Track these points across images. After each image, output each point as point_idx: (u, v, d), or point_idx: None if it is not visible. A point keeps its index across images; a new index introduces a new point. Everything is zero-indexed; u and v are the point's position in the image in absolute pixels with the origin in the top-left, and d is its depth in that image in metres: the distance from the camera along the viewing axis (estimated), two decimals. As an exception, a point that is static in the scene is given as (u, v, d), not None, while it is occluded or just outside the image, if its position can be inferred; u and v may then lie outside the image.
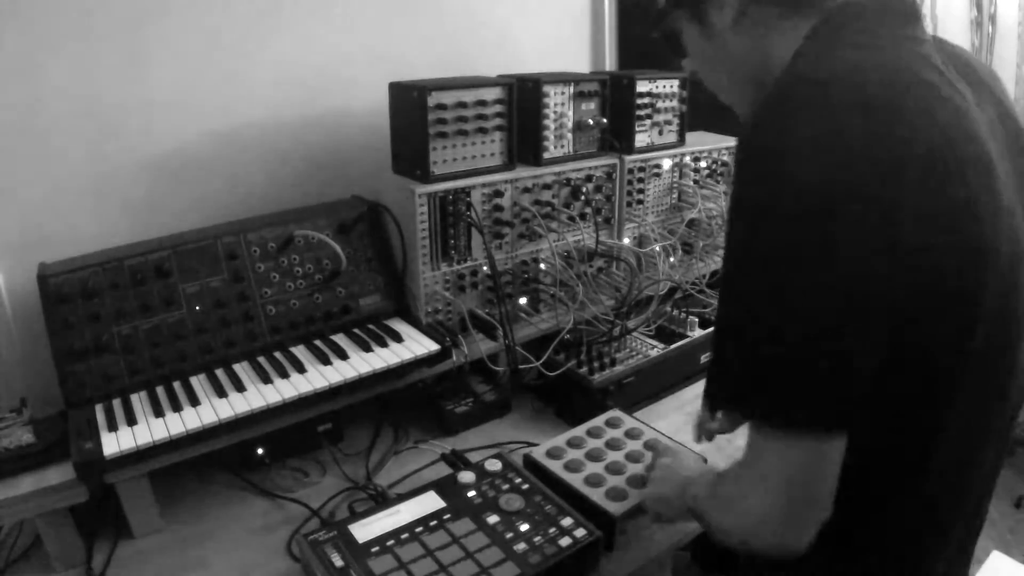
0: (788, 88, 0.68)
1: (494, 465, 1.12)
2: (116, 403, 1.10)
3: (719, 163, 1.74)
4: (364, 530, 0.98)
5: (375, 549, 0.95)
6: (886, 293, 0.63)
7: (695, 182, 1.69)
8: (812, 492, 0.68)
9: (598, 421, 1.27)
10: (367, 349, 1.25)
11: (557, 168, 1.44)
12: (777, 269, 0.64)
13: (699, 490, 0.87)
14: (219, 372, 1.18)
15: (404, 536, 0.97)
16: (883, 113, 0.64)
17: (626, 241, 1.60)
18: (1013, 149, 0.78)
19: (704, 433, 1.20)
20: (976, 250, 0.68)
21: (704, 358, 1.57)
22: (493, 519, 1.01)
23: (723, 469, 0.83)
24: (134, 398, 1.11)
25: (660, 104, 1.58)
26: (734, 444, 1.30)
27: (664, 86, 1.58)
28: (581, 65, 1.94)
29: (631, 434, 1.23)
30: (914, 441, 0.75)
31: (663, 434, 1.24)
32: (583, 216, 1.49)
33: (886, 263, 0.62)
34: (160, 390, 1.13)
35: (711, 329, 1.56)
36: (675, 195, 1.68)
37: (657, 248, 1.60)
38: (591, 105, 1.48)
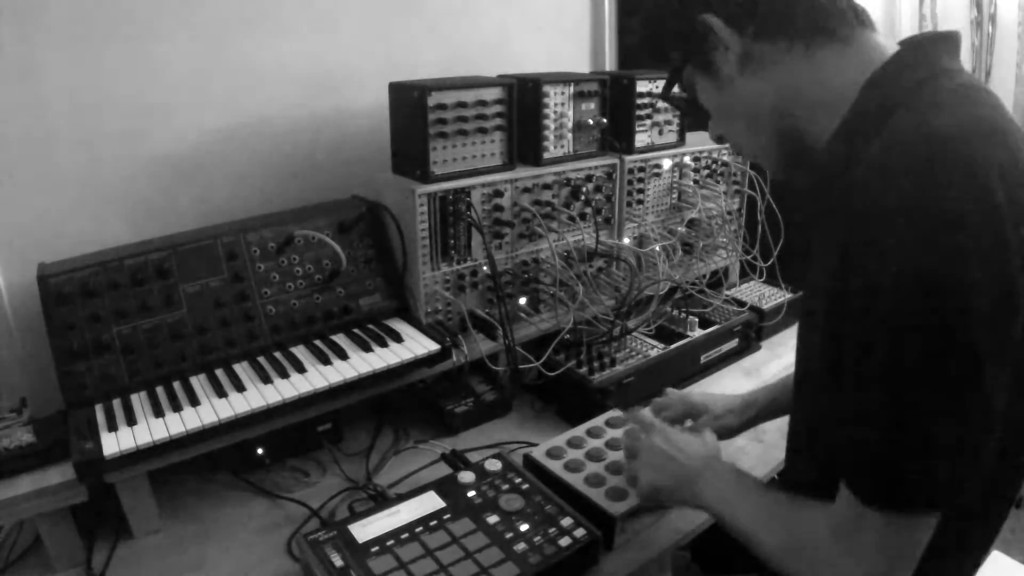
0: (924, 154, 0.63)
1: (494, 465, 1.12)
2: (116, 403, 1.09)
3: (719, 163, 1.74)
4: (364, 530, 0.98)
5: (375, 549, 0.95)
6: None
7: (695, 182, 1.69)
8: (911, 560, 0.68)
9: (598, 421, 1.27)
10: (367, 349, 1.25)
11: (557, 168, 1.44)
12: (953, 376, 0.62)
13: (728, 494, 0.86)
14: (219, 372, 1.18)
15: (404, 536, 0.97)
16: (1010, 167, 0.63)
17: (626, 241, 1.60)
18: None
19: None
20: None
21: (704, 358, 1.57)
22: (493, 519, 1.01)
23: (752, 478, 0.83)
24: (134, 398, 1.11)
25: (660, 104, 1.58)
26: (735, 444, 1.30)
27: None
28: (581, 65, 1.94)
29: (631, 434, 1.23)
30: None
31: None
32: (583, 216, 1.49)
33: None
34: (160, 390, 1.13)
35: (709, 329, 1.56)
36: (675, 195, 1.68)
37: (657, 248, 1.60)
38: (591, 105, 1.48)
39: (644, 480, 1.01)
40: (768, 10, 0.76)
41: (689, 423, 1.21)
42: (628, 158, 1.54)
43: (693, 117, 0.93)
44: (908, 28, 2.93)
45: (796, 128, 0.80)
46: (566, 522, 1.01)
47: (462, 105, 1.30)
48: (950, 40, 0.74)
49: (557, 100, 1.43)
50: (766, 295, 1.79)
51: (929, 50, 0.73)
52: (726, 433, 1.17)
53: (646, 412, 1.18)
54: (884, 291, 0.62)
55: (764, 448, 1.29)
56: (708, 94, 0.85)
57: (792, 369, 0.93)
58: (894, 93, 0.71)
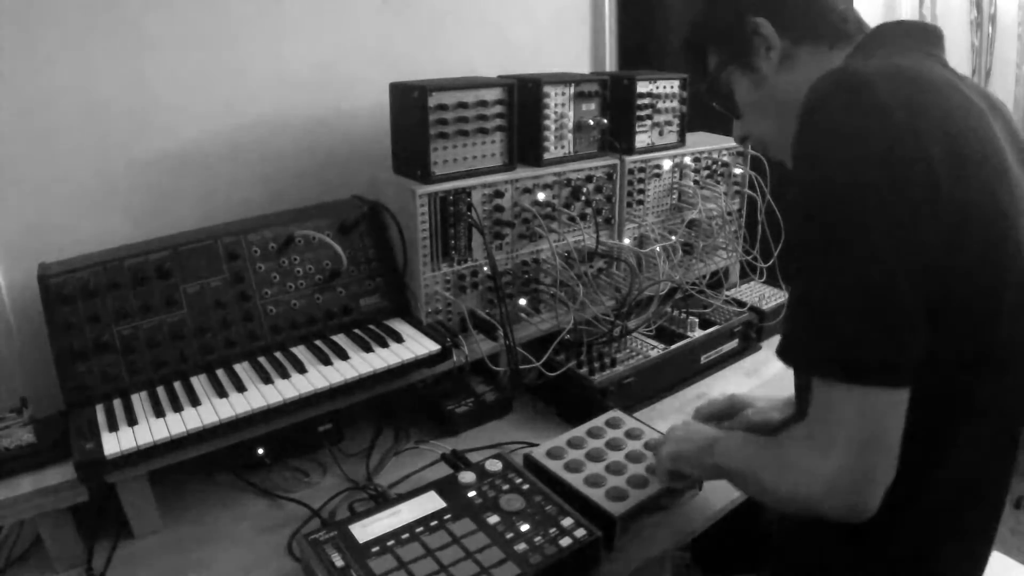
0: (836, 86, 0.75)
1: (494, 465, 1.12)
2: (117, 403, 1.09)
3: (719, 163, 1.74)
4: (364, 530, 0.98)
5: (375, 549, 0.95)
6: (928, 252, 0.71)
7: (695, 182, 1.69)
8: (883, 447, 0.72)
9: (598, 421, 1.27)
10: (367, 349, 1.25)
11: (557, 168, 1.44)
12: (840, 241, 0.71)
13: (733, 448, 0.90)
14: (220, 372, 1.18)
15: (404, 536, 0.97)
16: (915, 103, 0.72)
17: (626, 241, 1.60)
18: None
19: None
20: (1001, 229, 0.75)
21: (704, 358, 1.57)
22: (493, 519, 1.01)
23: (764, 435, 0.87)
24: (135, 398, 1.11)
25: (660, 104, 1.59)
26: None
27: (664, 86, 1.58)
28: (581, 65, 1.95)
29: (631, 434, 1.23)
30: (943, 424, 0.80)
31: (664, 434, 1.23)
32: (583, 216, 1.49)
33: (928, 226, 0.70)
34: (161, 390, 1.13)
35: (710, 330, 1.56)
36: (675, 195, 1.68)
37: (657, 248, 1.60)
38: (591, 105, 1.48)
39: (666, 451, 1.04)
40: (810, 18, 0.88)
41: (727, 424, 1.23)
42: (628, 158, 1.54)
43: (728, 113, 1.03)
44: (908, 28, 2.93)
45: None
46: (566, 522, 1.01)
47: (463, 105, 1.30)
48: (910, 35, 0.87)
49: (557, 100, 1.43)
50: (766, 295, 1.79)
51: (884, 42, 0.86)
52: (770, 432, 1.17)
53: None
54: (797, 184, 0.76)
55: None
56: (745, 92, 0.95)
57: None
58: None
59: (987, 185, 0.74)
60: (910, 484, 0.78)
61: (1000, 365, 0.80)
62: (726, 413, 1.24)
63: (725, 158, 1.75)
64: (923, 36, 0.86)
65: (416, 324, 1.33)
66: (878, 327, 0.71)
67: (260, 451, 1.23)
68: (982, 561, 0.93)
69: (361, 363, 1.21)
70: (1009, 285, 0.76)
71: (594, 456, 1.17)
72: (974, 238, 0.73)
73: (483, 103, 1.33)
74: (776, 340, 0.80)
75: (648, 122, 1.58)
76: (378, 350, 1.25)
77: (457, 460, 1.20)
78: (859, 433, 0.72)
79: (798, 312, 0.77)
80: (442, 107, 1.28)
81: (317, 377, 1.17)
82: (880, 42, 0.85)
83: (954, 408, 0.80)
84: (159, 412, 1.07)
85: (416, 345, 1.26)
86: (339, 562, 0.92)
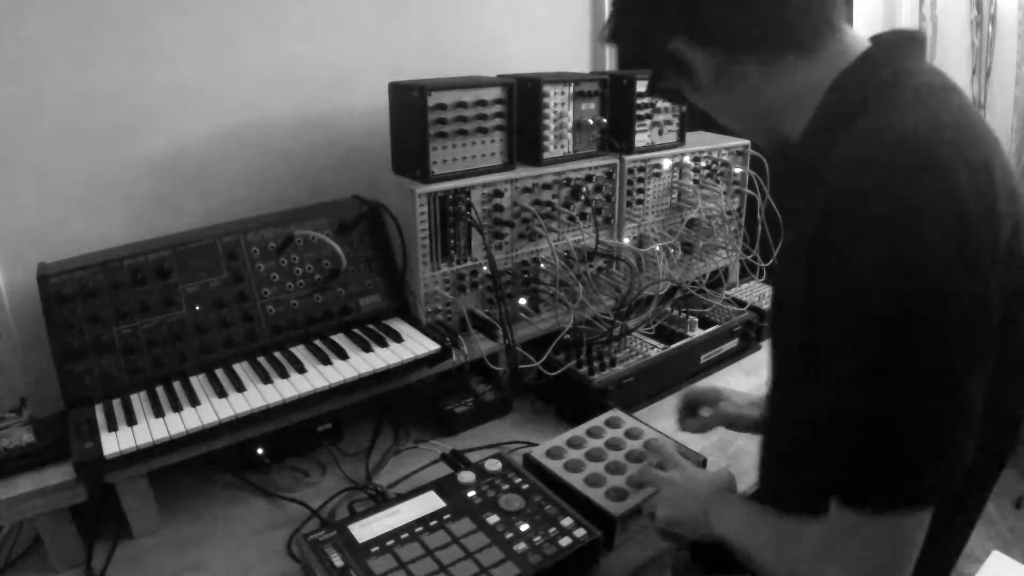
0: (885, 149, 0.65)
1: (494, 465, 1.12)
2: (116, 403, 1.09)
3: (719, 163, 1.74)
4: (364, 530, 0.98)
5: (375, 549, 0.95)
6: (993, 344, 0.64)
7: (695, 182, 1.69)
8: (901, 564, 0.67)
9: (598, 421, 1.27)
10: (367, 349, 1.25)
11: (557, 168, 1.44)
12: (919, 362, 0.61)
13: (730, 524, 0.86)
14: (219, 372, 1.18)
15: (404, 536, 0.97)
16: (980, 167, 0.64)
17: (626, 241, 1.60)
18: None
19: (688, 428, 1.20)
20: None
21: (704, 358, 1.57)
22: (493, 519, 1.01)
23: (773, 518, 0.82)
24: (134, 398, 1.11)
25: (660, 104, 1.58)
26: (735, 444, 1.30)
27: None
28: (581, 65, 1.94)
29: (631, 434, 1.23)
30: None
31: (663, 434, 1.24)
32: (583, 216, 1.49)
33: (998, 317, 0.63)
34: (160, 390, 1.13)
35: (709, 329, 1.56)
36: (675, 195, 1.68)
37: (657, 248, 1.60)
38: (591, 105, 1.48)
39: (661, 515, 0.99)
40: (734, 32, 0.76)
41: (707, 411, 1.20)
42: (628, 158, 1.54)
43: (675, 103, 0.94)
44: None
45: (773, 128, 0.83)
46: (566, 522, 1.01)
47: (462, 105, 1.30)
48: (914, 41, 0.76)
49: (557, 100, 1.43)
50: (766, 295, 1.79)
51: (893, 52, 0.75)
52: (745, 426, 1.17)
53: (667, 444, 1.17)
54: (857, 286, 0.62)
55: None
56: (688, 92, 0.86)
57: None
58: (856, 95, 0.72)
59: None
60: None
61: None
62: (708, 400, 1.22)
63: (725, 157, 1.75)
64: (921, 50, 0.76)
65: (416, 324, 1.33)
66: (948, 458, 0.64)
67: (260, 451, 1.23)
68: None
69: (361, 363, 1.21)
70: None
71: (594, 456, 1.17)
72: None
73: (482, 103, 1.33)
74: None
75: (648, 121, 1.58)
76: (378, 350, 1.25)
77: (457, 460, 1.20)
78: (881, 555, 0.66)
79: (860, 451, 0.66)
80: (441, 107, 1.28)
81: (317, 377, 1.17)
82: (873, 65, 0.74)
83: None
84: (158, 412, 1.07)
85: (416, 345, 1.26)
86: (339, 562, 0.92)
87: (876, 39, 0.77)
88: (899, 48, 0.75)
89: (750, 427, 1.17)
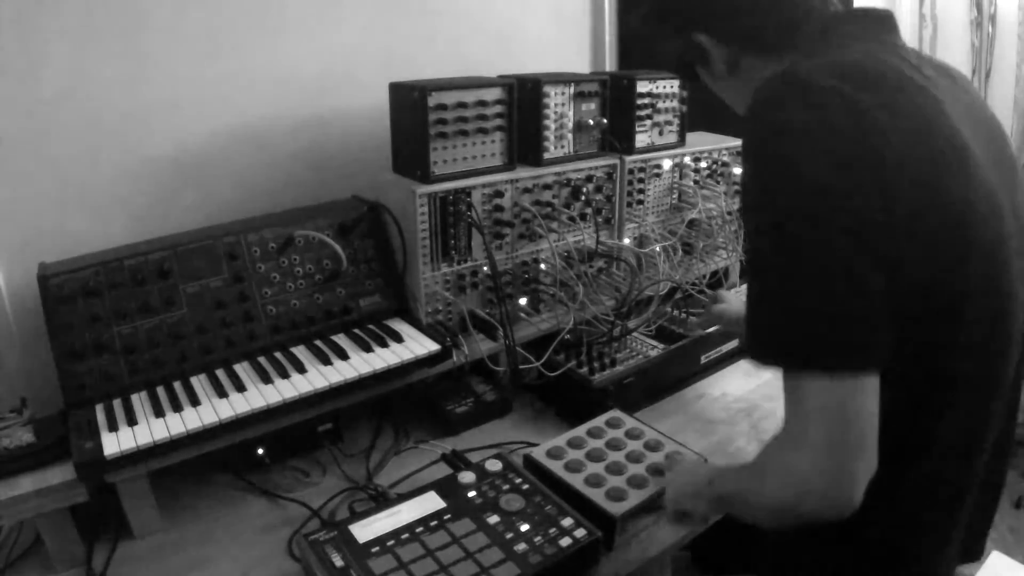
0: (776, 86, 0.78)
1: (494, 465, 1.12)
2: (116, 403, 1.10)
3: (719, 163, 1.74)
4: (364, 530, 0.98)
5: (375, 549, 0.95)
6: (884, 241, 0.71)
7: (695, 182, 1.69)
8: (855, 434, 0.70)
9: (598, 421, 1.27)
10: (367, 349, 1.25)
11: (557, 168, 1.44)
12: (795, 234, 0.72)
13: (727, 479, 0.88)
14: (219, 372, 1.18)
15: (404, 536, 0.97)
16: (863, 101, 0.73)
17: (626, 241, 1.60)
18: (986, 136, 0.85)
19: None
20: (959, 214, 0.75)
21: (704, 358, 1.57)
22: (493, 519, 1.01)
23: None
24: (134, 398, 1.11)
25: (660, 104, 1.59)
26: (735, 444, 1.30)
27: (664, 86, 1.58)
28: (581, 65, 1.94)
29: (631, 434, 1.23)
30: (923, 414, 0.80)
31: (664, 434, 1.24)
32: (583, 216, 1.49)
33: (881, 216, 0.71)
34: (160, 390, 1.13)
35: (710, 329, 1.56)
36: (675, 195, 1.68)
37: (657, 248, 1.60)
38: (591, 105, 1.48)
39: (669, 493, 1.03)
40: (749, 30, 0.91)
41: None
42: (628, 158, 1.54)
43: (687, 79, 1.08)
44: (908, 28, 2.93)
45: None
46: (566, 522, 1.01)
47: (462, 105, 1.30)
48: (869, 16, 0.88)
49: (557, 100, 1.43)
50: (766, 295, 1.79)
51: (846, 24, 0.87)
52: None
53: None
54: (746, 191, 0.80)
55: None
56: (710, 82, 1.00)
57: None
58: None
59: (937, 173, 0.75)
60: (901, 479, 0.79)
61: (968, 351, 0.79)
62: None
63: (725, 158, 1.74)
64: (874, 25, 0.87)
65: (416, 324, 1.33)
66: (839, 313, 0.71)
67: (260, 451, 1.23)
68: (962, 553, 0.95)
69: (361, 363, 1.21)
70: (972, 272, 0.76)
71: (594, 456, 1.17)
72: (930, 225, 0.73)
73: (483, 103, 1.33)
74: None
75: (648, 122, 1.58)
76: (378, 350, 1.25)
77: (457, 460, 1.20)
78: (830, 423, 0.70)
79: (760, 307, 0.78)
80: (442, 107, 1.28)
81: (317, 377, 1.17)
82: (825, 41, 0.86)
83: (932, 397, 0.80)
84: (159, 412, 1.07)
85: (416, 345, 1.26)
86: (339, 562, 0.92)
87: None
88: (853, 21, 0.88)
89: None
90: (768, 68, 0.88)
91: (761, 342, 0.78)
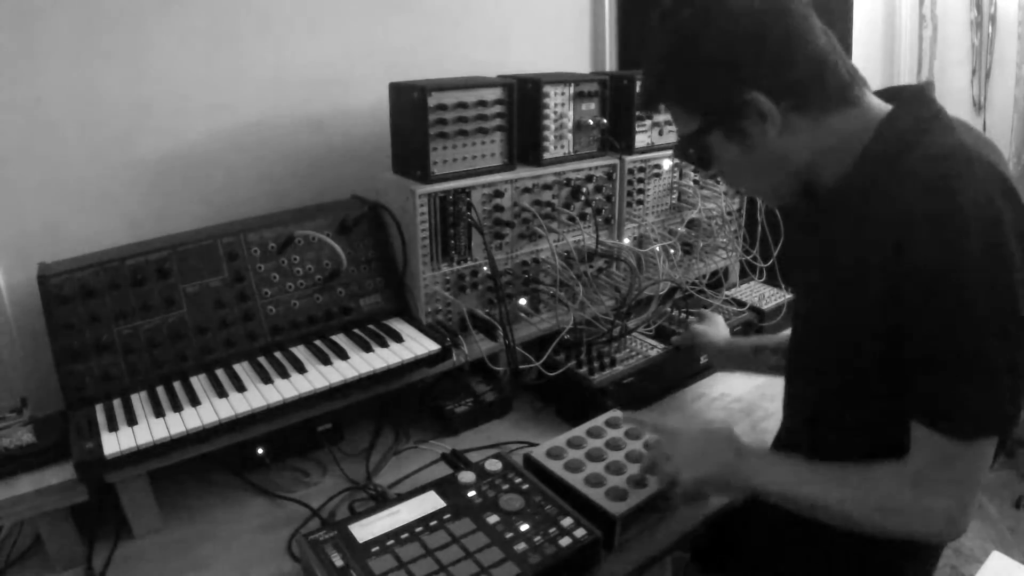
0: (959, 168, 0.78)
1: (494, 465, 1.12)
2: (116, 403, 1.10)
3: (719, 163, 1.73)
4: (364, 530, 0.98)
5: (375, 549, 0.95)
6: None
7: (695, 182, 1.69)
8: (984, 478, 0.82)
9: (598, 421, 1.27)
10: (367, 349, 1.25)
11: (557, 168, 1.44)
12: (986, 323, 0.77)
13: (784, 479, 0.91)
14: (219, 372, 1.18)
15: (404, 536, 0.97)
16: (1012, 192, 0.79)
17: (626, 241, 1.60)
18: None
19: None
20: None
21: (704, 358, 1.57)
22: (493, 519, 1.01)
23: (842, 465, 0.89)
24: (134, 398, 1.11)
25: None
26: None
27: (664, 86, 1.58)
28: (581, 65, 1.94)
29: (631, 434, 1.23)
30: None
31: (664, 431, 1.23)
32: (583, 216, 1.49)
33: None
34: (160, 390, 1.13)
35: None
36: (675, 195, 1.68)
37: (657, 248, 1.60)
38: (591, 105, 1.48)
39: (687, 476, 1.00)
40: (806, 87, 0.85)
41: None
42: (628, 158, 1.54)
43: (700, 169, 1.07)
44: (908, 28, 2.93)
45: (814, 171, 0.91)
46: (566, 522, 1.01)
47: (462, 105, 1.30)
48: (925, 91, 0.90)
49: (557, 100, 1.43)
50: (766, 295, 1.79)
51: (917, 101, 0.88)
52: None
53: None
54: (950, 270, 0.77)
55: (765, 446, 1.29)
56: (729, 155, 0.92)
57: None
58: (898, 139, 0.84)
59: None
60: None
61: None
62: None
63: (725, 158, 1.74)
64: (933, 97, 0.89)
65: (416, 324, 1.33)
66: (1014, 400, 0.80)
67: (260, 451, 1.24)
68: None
69: (361, 363, 1.21)
70: None
71: (594, 456, 1.17)
72: None
73: (483, 103, 1.33)
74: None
75: (648, 122, 1.57)
76: (378, 350, 1.25)
77: (457, 460, 1.20)
78: (976, 476, 0.80)
79: (966, 382, 0.79)
80: (442, 107, 1.28)
81: (317, 377, 1.17)
82: (925, 110, 0.87)
83: None
84: (159, 412, 1.07)
85: (416, 345, 1.26)
86: (339, 562, 0.92)
87: (894, 92, 0.91)
88: (918, 99, 0.88)
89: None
90: (817, 127, 0.87)
91: (971, 415, 0.80)
